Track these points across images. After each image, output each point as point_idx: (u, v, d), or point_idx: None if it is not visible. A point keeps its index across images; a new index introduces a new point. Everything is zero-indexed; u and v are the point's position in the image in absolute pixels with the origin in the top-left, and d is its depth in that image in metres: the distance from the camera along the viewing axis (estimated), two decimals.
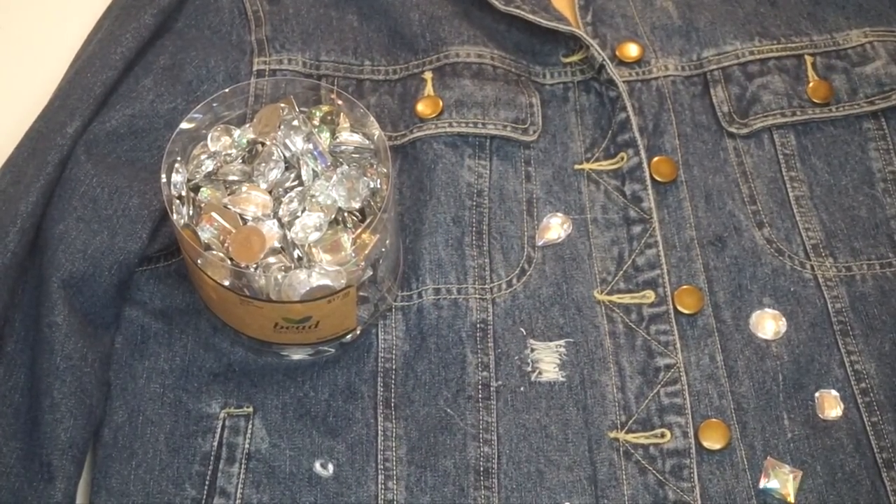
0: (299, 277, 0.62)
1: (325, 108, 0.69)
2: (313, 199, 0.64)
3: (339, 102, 0.69)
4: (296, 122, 0.66)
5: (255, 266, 0.63)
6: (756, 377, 0.70)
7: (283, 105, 0.68)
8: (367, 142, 0.67)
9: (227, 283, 0.63)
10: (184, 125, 0.67)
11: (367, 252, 0.64)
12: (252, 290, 0.63)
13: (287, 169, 0.66)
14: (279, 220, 0.64)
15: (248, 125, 0.68)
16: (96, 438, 0.68)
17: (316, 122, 0.68)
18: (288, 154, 0.66)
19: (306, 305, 0.63)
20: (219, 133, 0.68)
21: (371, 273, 0.66)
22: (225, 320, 0.68)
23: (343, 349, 0.70)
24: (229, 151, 0.67)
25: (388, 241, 0.66)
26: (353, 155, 0.67)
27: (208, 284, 0.64)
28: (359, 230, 0.64)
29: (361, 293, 0.67)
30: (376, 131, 0.67)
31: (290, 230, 0.63)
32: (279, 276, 0.62)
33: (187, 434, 0.68)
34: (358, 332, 0.69)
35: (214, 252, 0.63)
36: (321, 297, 0.63)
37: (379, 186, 0.66)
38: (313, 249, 0.63)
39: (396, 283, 0.71)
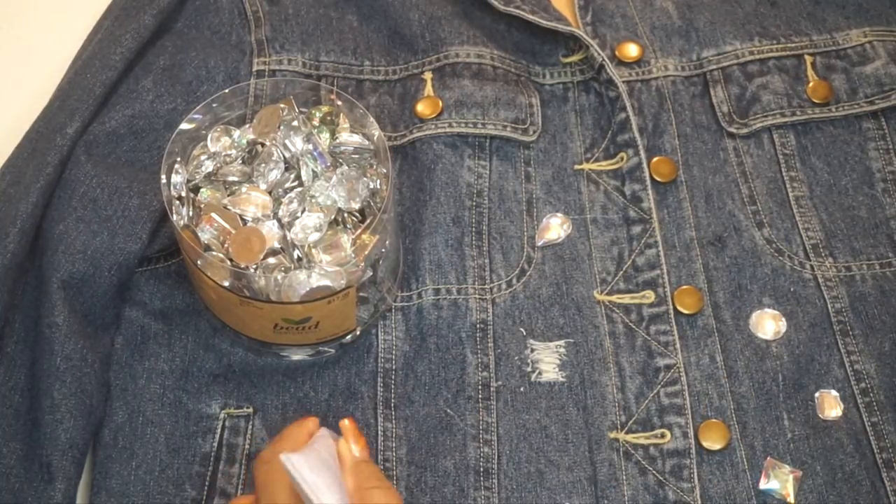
0: (299, 278, 0.62)
1: (325, 109, 0.69)
2: (313, 200, 0.64)
3: (339, 103, 0.69)
4: (295, 123, 0.66)
5: (254, 267, 0.63)
6: (756, 377, 0.70)
7: (282, 106, 0.68)
8: (367, 142, 0.67)
9: (227, 283, 0.63)
10: (183, 126, 0.67)
11: (366, 252, 0.64)
12: (252, 291, 0.63)
13: (287, 169, 0.66)
14: (279, 220, 0.64)
15: (247, 126, 0.68)
16: (96, 439, 0.68)
17: (315, 123, 0.68)
18: (288, 155, 0.66)
19: (306, 306, 0.63)
20: (218, 134, 0.67)
21: (371, 274, 0.66)
22: (225, 321, 0.68)
23: (343, 350, 0.70)
24: (229, 152, 0.67)
25: (387, 242, 0.66)
26: (353, 155, 0.67)
27: (208, 285, 0.64)
28: (359, 231, 0.64)
29: (361, 294, 0.67)
30: (376, 132, 0.67)
31: (289, 231, 0.63)
32: (279, 277, 0.62)
33: (187, 435, 0.68)
34: (358, 332, 0.69)
35: (214, 253, 0.63)
36: (321, 298, 0.63)
37: (379, 187, 0.66)
38: (313, 250, 0.63)
39: (396, 283, 0.71)
